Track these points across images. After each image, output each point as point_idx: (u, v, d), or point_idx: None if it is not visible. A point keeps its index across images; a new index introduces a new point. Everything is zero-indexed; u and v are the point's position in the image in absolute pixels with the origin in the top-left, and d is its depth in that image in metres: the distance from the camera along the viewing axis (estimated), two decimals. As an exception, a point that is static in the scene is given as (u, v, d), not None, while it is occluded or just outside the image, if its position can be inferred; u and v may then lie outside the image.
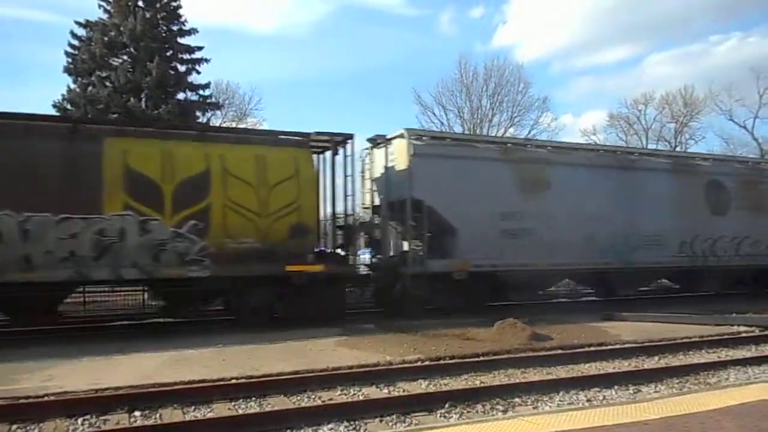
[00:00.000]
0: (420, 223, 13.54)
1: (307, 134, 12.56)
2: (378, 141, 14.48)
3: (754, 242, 17.35)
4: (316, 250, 12.69)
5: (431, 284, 13.33)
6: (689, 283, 17.93)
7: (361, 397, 6.69)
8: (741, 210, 17.20)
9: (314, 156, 13.08)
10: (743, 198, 17.31)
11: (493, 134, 36.31)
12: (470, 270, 13.50)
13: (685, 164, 17.53)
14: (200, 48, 27.14)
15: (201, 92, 27.76)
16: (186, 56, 27.12)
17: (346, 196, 13.37)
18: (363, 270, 15.11)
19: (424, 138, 14.17)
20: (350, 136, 13.13)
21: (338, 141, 13.18)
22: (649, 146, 41.53)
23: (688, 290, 18.00)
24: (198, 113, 27.55)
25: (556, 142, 16.86)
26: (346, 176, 13.29)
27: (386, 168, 14.05)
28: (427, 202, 13.29)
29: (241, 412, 6.16)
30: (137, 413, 6.07)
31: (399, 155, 13.66)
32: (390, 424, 5.78)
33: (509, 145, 15.82)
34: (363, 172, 15.13)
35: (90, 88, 25.15)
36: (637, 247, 15.34)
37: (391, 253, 14.22)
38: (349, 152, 13.28)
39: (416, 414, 6.03)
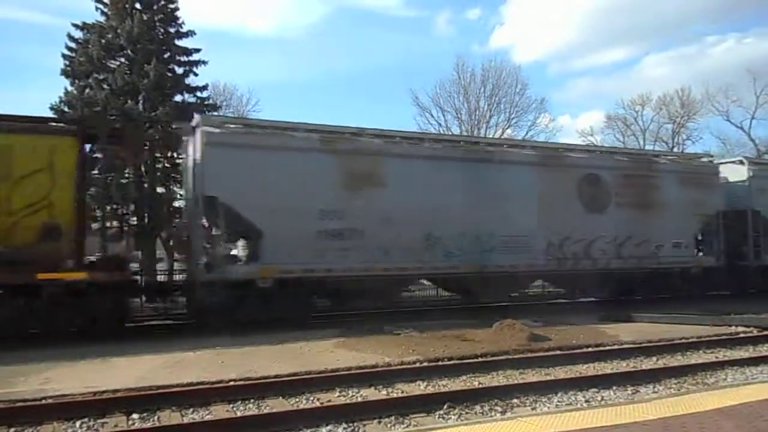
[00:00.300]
0: (217, 223, 11.98)
1: (74, 121, 11.16)
2: (186, 130, 12.93)
3: (640, 243, 15.51)
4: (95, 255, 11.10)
5: (236, 293, 11.61)
6: (572, 289, 16.40)
7: (359, 399, 6.70)
8: (623, 207, 15.40)
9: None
10: (626, 194, 15.48)
11: (491, 135, 36.33)
12: (277, 276, 11.78)
13: (554, 157, 15.40)
14: (198, 50, 27.03)
15: (199, 94, 27.65)
16: (183, 58, 27.01)
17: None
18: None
19: (225, 125, 12.45)
20: (117, 125, 11.68)
21: (117, 129, 11.36)
22: (647, 147, 41.55)
23: (572, 297, 16.44)
24: (195, 115, 27.51)
25: (394, 131, 14.24)
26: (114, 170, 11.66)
27: (194, 160, 12.47)
28: (221, 198, 11.60)
29: (239, 414, 6.16)
30: (135, 416, 6.07)
31: (198, 145, 12.10)
32: (389, 425, 5.79)
33: (347, 135, 13.50)
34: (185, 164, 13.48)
35: (87, 90, 25.05)
36: (493, 249, 13.63)
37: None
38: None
39: (415, 415, 6.03)
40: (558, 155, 15.64)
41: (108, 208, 12.22)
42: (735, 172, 17.92)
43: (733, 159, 19.93)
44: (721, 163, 18.70)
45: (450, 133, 13.06)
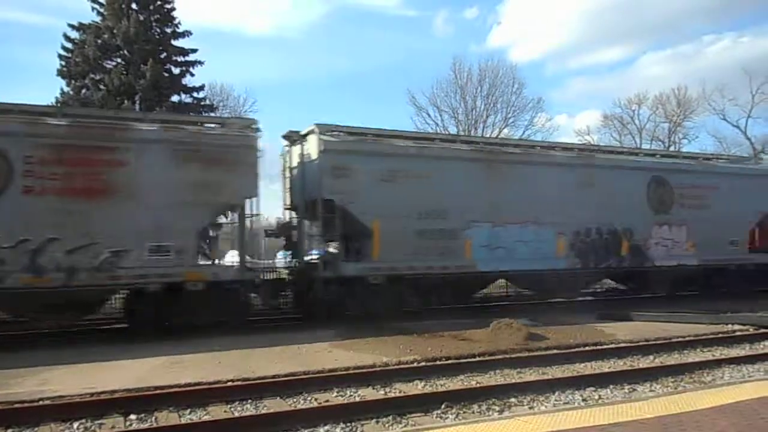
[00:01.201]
0: None
1: None
2: None
3: (77, 248, 10.21)
4: None
5: None
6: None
7: (357, 399, 6.70)
8: (38, 194, 10.06)
9: None
10: (44, 173, 10.09)
11: (488, 135, 36.37)
12: None
13: None
14: (194, 50, 27.06)
15: (195, 94, 27.71)
16: (180, 58, 27.04)
17: None
18: None
19: None
20: None
21: None
22: (643, 146, 41.58)
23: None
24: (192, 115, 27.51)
25: None
26: None
27: None
28: None
29: (237, 414, 6.16)
30: (133, 417, 6.07)
31: None
32: (386, 425, 5.79)
33: None
34: None
35: (83, 90, 25.05)
36: None
37: None
38: None
39: (412, 415, 6.04)
40: None
41: None
42: (316, 147, 12.63)
43: (309, 128, 13.07)
44: (306, 134, 13.07)
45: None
